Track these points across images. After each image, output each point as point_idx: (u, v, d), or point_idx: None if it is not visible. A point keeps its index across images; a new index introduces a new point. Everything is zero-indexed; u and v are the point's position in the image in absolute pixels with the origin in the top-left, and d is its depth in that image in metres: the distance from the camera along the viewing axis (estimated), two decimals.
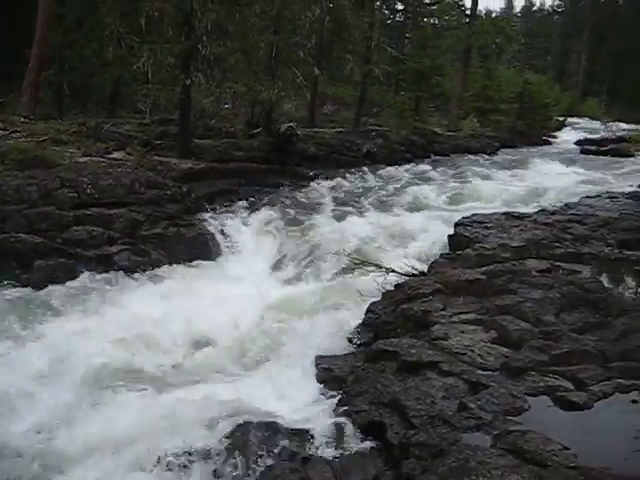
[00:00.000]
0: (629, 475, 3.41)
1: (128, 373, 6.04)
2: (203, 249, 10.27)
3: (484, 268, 6.85)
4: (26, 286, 8.40)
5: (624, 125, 33.37)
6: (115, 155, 12.50)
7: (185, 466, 4.33)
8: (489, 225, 8.86)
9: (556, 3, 78.67)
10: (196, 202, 11.48)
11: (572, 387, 4.36)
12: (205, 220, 11.00)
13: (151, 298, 8.32)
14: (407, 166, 18.59)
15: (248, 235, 10.93)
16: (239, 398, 5.20)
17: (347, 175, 16.12)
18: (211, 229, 10.74)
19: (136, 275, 9.13)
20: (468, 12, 32.15)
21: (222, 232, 10.81)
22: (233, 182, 13.15)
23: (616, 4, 68.16)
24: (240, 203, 12.23)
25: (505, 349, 4.93)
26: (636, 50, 56.95)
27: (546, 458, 3.47)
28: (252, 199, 12.57)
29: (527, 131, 29.72)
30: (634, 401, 4.19)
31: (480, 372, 4.57)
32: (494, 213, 9.69)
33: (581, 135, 30.00)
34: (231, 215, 11.47)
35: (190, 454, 4.39)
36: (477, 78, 31.93)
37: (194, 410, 4.90)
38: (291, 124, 16.08)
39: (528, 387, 4.35)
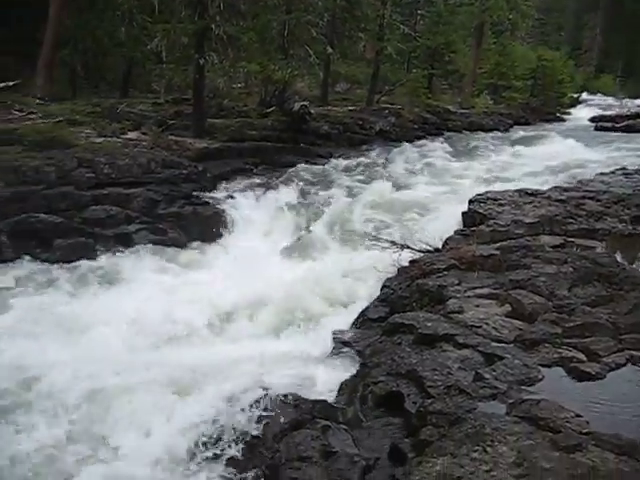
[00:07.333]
0: None
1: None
2: (219, 227, 10.38)
3: (498, 244, 6.93)
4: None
5: (639, 101, 33.07)
6: (130, 135, 12.57)
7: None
8: (503, 202, 8.91)
9: None
10: (212, 181, 11.59)
11: (585, 358, 4.45)
12: (221, 199, 11.08)
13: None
14: (420, 143, 18.57)
15: (263, 213, 10.98)
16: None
17: (361, 152, 16.14)
18: (226, 208, 10.80)
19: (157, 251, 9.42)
20: None
21: (238, 210, 10.87)
22: (248, 161, 13.19)
23: None
24: (255, 181, 12.26)
25: (519, 322, 5.02)
26: None
27: (559, 425, 3.57)
28: (267, 178, 12.61)
29: (541, 108, 29.56)
30: None
31: (495, 344, 4.66)
32: (507, 190, 9.71)
33: (595, 112, 29.78)
34: (246, 194, 11.51)
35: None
36: (490, 55, 31.68)
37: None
38: (304, 103, 16.04)
39: (542, 358, 4.44)
